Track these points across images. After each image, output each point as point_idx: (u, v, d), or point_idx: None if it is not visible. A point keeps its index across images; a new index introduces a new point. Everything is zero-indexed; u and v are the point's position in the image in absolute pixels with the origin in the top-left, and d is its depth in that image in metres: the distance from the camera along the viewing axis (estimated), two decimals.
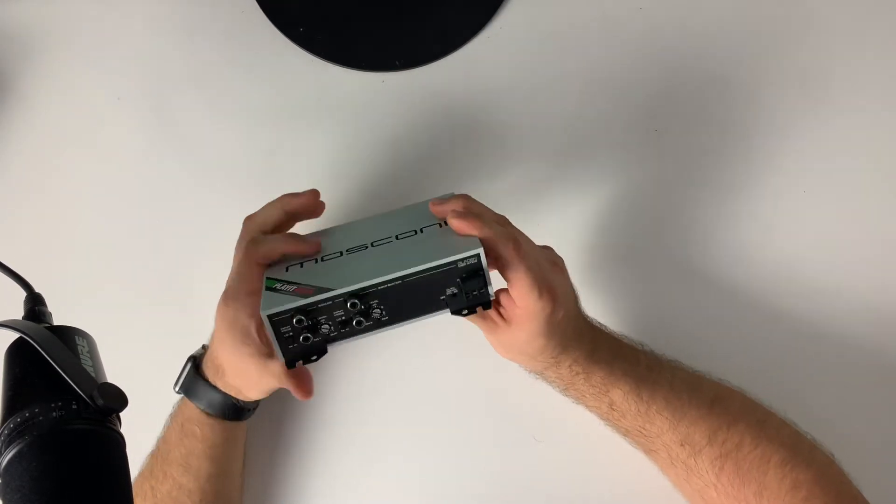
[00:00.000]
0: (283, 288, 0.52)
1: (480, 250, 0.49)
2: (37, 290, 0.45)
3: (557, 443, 0.64)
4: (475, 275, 0.50)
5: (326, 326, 0.51)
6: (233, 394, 0.57)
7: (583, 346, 0.55)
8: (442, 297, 0.51)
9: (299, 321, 0.49)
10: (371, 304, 0.50)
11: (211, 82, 0.73)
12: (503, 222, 0.54)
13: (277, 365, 0.53)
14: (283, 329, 0.50)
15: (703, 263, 0.68)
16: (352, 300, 0.50)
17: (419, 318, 0.52)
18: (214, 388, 0.57)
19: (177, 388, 0.59)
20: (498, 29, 0.74)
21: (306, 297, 0.49)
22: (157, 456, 0.59)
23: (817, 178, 0.69)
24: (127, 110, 0.73)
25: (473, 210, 0.52)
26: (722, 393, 0.57)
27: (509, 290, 0.52)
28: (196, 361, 0.59)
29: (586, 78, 0.72)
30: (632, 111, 0.71)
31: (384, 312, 0.51)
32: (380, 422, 0.66)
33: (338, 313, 0.50)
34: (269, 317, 0.49)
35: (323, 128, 0.72)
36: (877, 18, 0.72)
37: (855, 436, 0.61)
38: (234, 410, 0.58)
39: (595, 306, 0.61)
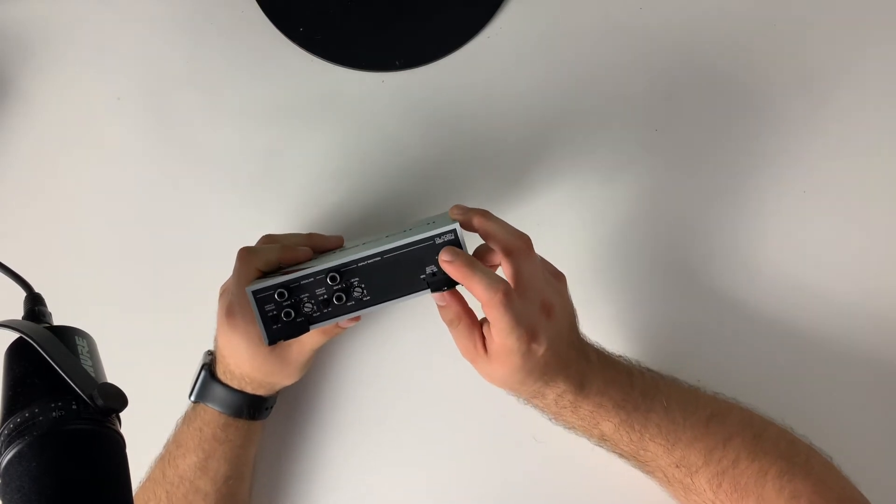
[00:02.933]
0: (273, 273, 0.54)
1: (457, 226, 0.50)
2: (37, 290, 0.45)
3: (558, 444, 0.64)
4: None
5: (309, 305, 0.52)
6: (255, 390, 0.58)
7: (570, 378, 0.54)
8: (422, 276, 0.52)
9: (280, 294, 0.51)
10: (352, 283, 0.52)
11: (211, 82, 0.73)
12: (518, 248, 0.52)
13: (296, 342, 0.55)
14: (268, 307, 0.52)
15: (704, 263, 0.68)
16: (331, 274, 0.51)
17: (400, 298, 0.52)
18: (233, 389, 0.58)
19: (192, 398, 0.59)
20: (498, 29, 0.74)
21: (290, 275, 0.51)
22: (169, 461, 0.59)
23: (818, 177, 0.69)
24: (127, 110, 0.73)
25: (462, 256, 0.50)
26: (718, 409, 0.56)
27: (490, 326, 0.51)
28: (210, 368, 0.59)
29: (586, 77, 0.72)
30: (632, 110, 0.71)
31: (365, 292, 0.52)
32: (379, 422, 0.66)
33: (319, 291, 0.52)
34: (254, 293, 0.51)
35: (323, 128, 0.72)
36: (878, 18, 0.72)
37: (857, 440, 0.61)
38: (254, 408, 0.59)
39: (589, 312, 0.60)
